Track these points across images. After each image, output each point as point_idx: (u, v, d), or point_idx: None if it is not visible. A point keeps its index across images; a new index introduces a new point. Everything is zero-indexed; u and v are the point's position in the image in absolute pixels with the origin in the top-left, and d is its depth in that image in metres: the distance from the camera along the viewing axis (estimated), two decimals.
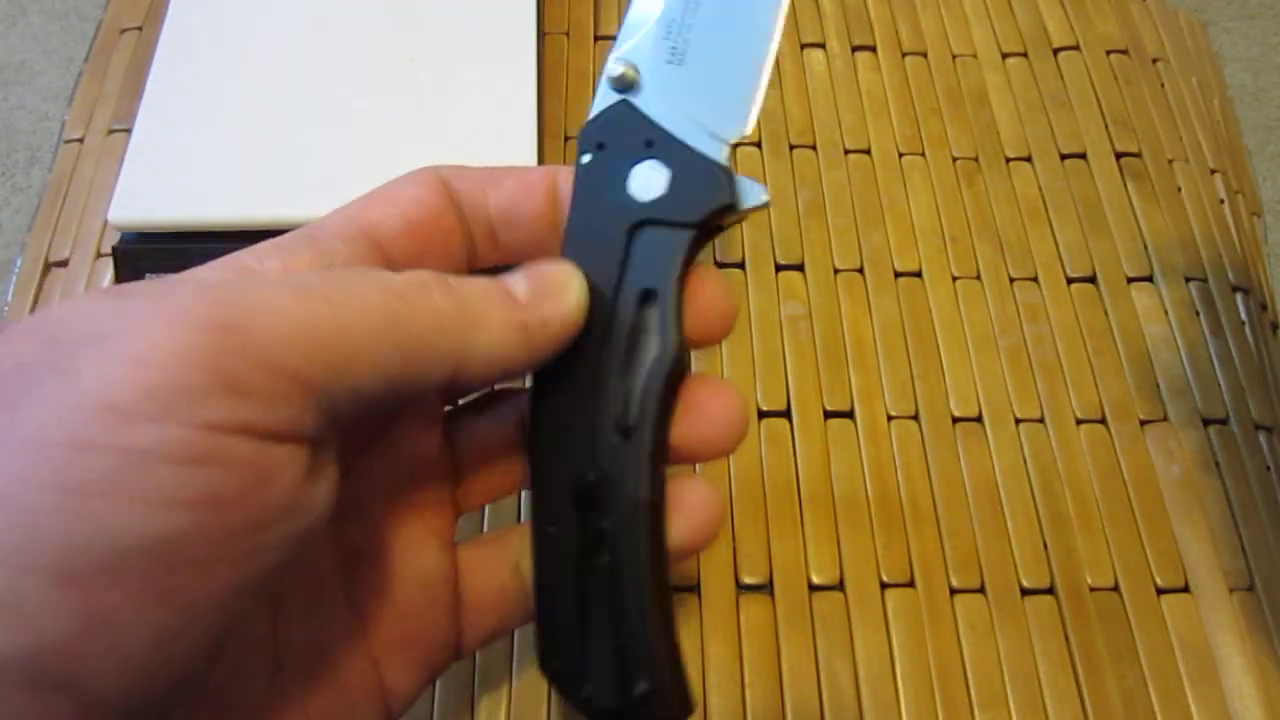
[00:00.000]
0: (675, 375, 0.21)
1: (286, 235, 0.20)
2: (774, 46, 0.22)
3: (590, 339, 0.21)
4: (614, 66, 0.22)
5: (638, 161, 0.21)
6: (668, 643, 0.20)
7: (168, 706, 0.15)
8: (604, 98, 0.22)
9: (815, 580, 0.32)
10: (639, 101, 0.22)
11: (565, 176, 0.22)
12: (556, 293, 0.20)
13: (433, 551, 0.22)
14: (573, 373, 0.21)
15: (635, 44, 0.22)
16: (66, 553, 0.13)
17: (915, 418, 0.35)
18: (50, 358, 0.14)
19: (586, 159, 0.22)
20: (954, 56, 0.45)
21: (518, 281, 0.20)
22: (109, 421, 0.14)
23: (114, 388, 0.14)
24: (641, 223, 0.21)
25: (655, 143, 0.21)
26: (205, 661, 0.16)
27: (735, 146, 0.21)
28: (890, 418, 0.35)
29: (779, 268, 0.38)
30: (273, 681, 0.20)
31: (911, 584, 0.32)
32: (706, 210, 0.21)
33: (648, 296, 0.21)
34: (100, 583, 0.14)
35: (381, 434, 0.22)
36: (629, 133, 0.21)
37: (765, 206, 0.21)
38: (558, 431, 0.21)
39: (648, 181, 0.21)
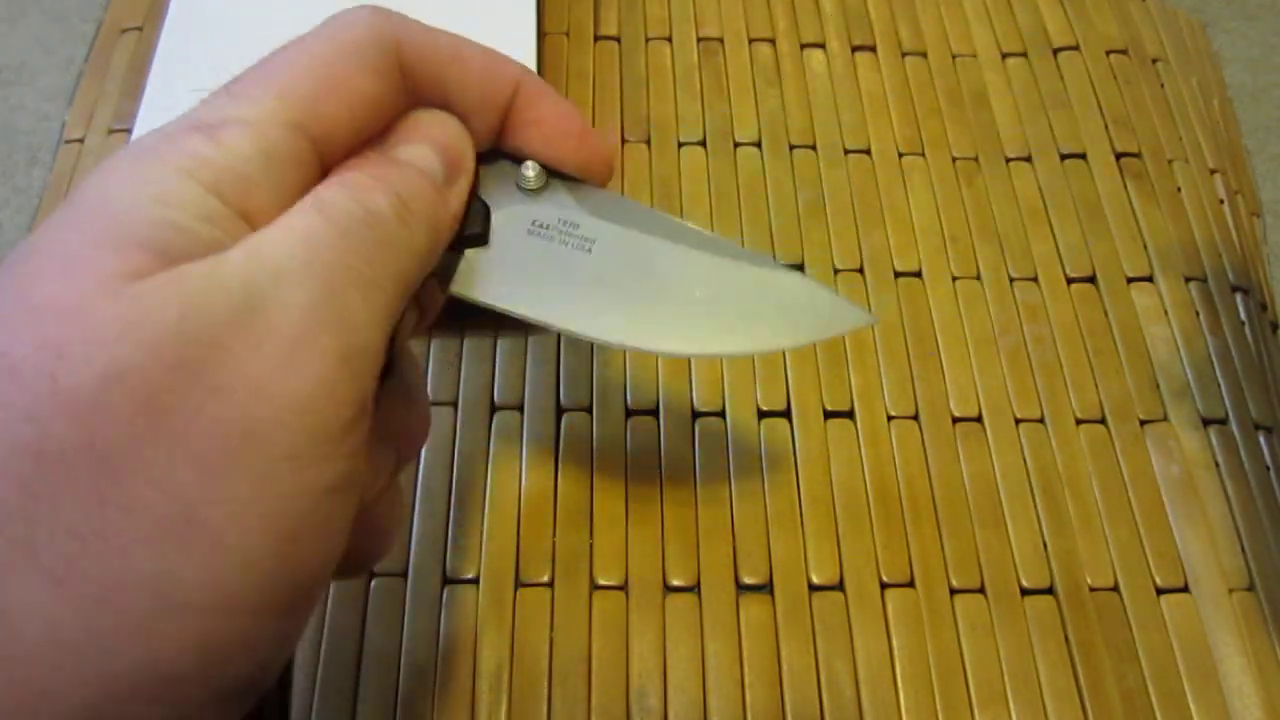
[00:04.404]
0: None
1: (219, 112, 0.18)
2: None
3: None
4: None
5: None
6: None
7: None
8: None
9: (815, 580, 0.32)
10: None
11: (533, 83, 0.22)
12: (462, 175, 0.21)
13: None
14: None
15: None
16: (275, 592, 0.15)
17: (915, 418, 0.35)
18: (241, 418, 0.15)
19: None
20: (954, 56, 0.45)
21: (429, 159, 0.20)
22: (296, 472, 0.15)
23: (293, 439, 0.15)
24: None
25: None
26: None
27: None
28: (890, 418, 0.35)
29: None
30: None
31: (911, 584, 0.32)
32: None
33: None
34: (298, 607, 0.16)
35: None
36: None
37: None
38: None
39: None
